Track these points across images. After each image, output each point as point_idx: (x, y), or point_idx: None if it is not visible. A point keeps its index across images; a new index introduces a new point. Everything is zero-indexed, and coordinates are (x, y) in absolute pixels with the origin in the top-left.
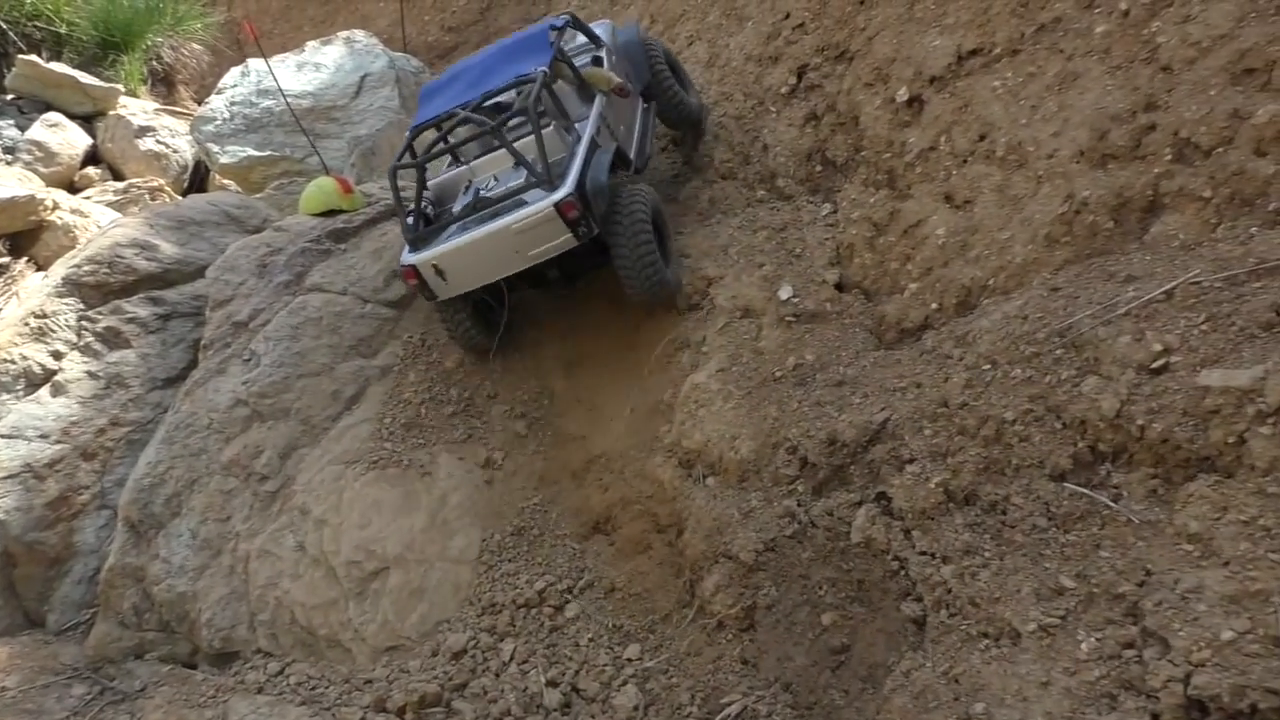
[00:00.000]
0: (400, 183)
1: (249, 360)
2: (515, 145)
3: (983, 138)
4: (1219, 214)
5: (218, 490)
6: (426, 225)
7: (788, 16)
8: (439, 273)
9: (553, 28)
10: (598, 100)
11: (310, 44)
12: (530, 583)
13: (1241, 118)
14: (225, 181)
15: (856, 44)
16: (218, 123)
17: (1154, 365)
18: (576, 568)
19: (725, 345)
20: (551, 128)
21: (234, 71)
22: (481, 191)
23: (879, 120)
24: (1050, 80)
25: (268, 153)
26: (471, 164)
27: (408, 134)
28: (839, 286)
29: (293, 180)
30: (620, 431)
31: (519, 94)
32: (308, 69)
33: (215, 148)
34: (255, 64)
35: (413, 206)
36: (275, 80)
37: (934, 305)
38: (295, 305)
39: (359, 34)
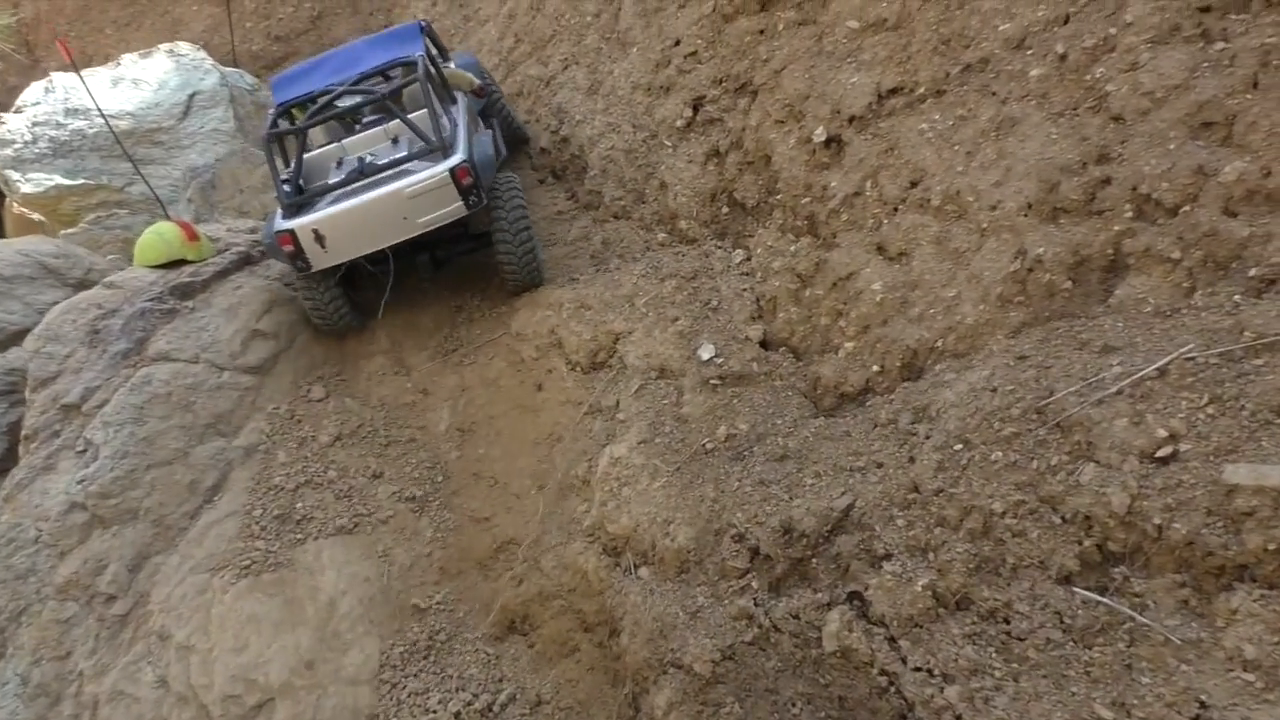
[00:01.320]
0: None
1: (84, 452)
2: (390, 125)
3: (914, 184)
4: (1192, 278)
5: (53, 620)
6: (300, 194)
7: (678, 43)
8: (319, 239)
9: (420, 28)
10: (461, 98)
11: (127, 57)
12: (444, 703)
13: (1206, 174)
14: (26, 212)
15: (761, 76)
16: (18, 145)
17: (1159, 453)
18: (494, 678)
19: (644, 412)
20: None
21: (35, 87)
22: (368, 159)
23: (794, 161)
24: (985, 125)
25: (80, 181)
26: (342, 142)
27: (272, 111)
28: (764, 344)
29: (112, 213)
30: (530, 512)
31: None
32: (125, 85)
33: (15, 175)
34: (61, 79)
35: (289, 174)
36: (91, 98)
37: (875, 368)
38: (138, 380)
39: (184, 46)
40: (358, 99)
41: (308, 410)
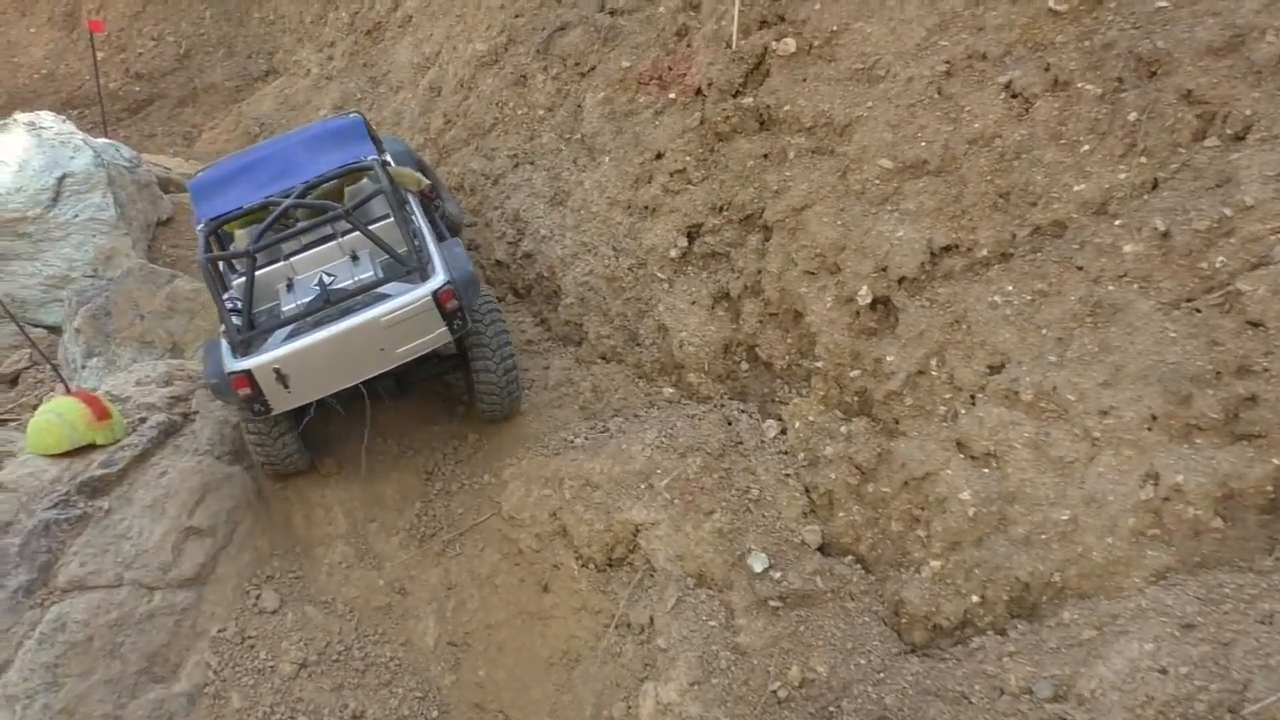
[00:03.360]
0: None
1: None
2: (333, 242)
3: (994, 370)
4: None
5: None
6: (251, 328)
7: (660, 157)
8: (281, 379)
9: (363, 122)
10: (413, 200)
11: None
12: None
13: None
14: None
15: (775, 212)
16: None
17: None
18: None
19: (689, 638)
20: (391, 219)
21: None
22: (330, 284)
23: (835, 324)
24: (1075, 307)
25: None
26: (290, 260)
27: (202, 227)
28: (822, 548)
29: None
30: None
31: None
32: None
33: None
34: None
35: (237, 304)
36: None
37: (974, 598)
38: (48, 626)
39: (46, 117)
40: (314, 215)
41: (261, 628)
